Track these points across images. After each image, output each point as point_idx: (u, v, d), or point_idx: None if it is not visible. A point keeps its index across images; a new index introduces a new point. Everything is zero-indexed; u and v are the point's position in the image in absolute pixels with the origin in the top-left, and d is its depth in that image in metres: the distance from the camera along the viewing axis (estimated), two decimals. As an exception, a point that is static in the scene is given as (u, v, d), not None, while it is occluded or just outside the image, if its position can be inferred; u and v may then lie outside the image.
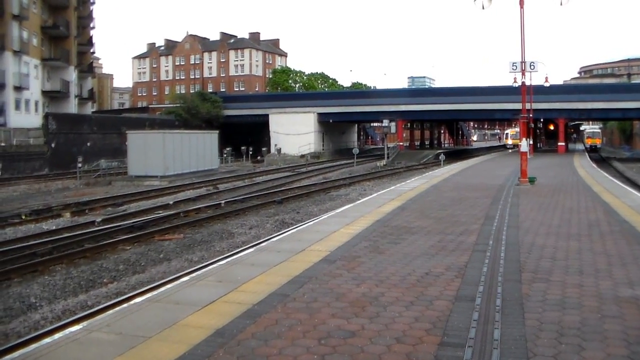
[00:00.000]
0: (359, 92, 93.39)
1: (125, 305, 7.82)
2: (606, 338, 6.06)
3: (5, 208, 27.05)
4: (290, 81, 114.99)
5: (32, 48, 61.19)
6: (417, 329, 6.35)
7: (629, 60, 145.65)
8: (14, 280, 14.08)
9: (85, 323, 6.96)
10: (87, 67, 77.90)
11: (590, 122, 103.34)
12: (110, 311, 7.57)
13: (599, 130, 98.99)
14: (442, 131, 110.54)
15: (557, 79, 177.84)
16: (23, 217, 23.95)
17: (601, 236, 11.97)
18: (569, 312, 6.92)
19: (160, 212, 24.72)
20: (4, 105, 55.66)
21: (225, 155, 62.01)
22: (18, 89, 57.18)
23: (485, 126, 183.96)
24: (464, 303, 7.27)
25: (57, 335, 6.52)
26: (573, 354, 5.62)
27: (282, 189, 34.04)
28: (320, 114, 73.78)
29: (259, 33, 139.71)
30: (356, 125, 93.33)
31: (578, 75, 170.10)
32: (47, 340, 6.37)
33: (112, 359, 5.56)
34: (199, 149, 47.58)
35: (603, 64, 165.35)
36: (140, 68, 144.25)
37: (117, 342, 6.03)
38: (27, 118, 57.60)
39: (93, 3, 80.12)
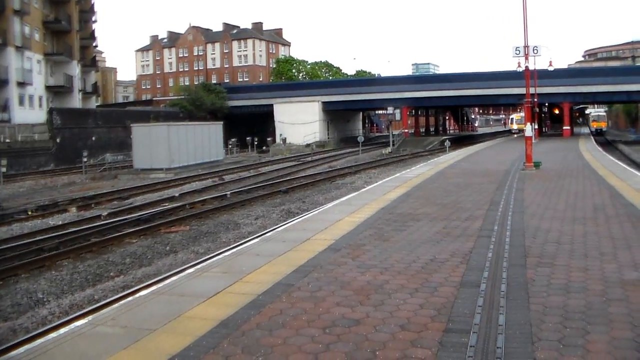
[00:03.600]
0: (363, 80, 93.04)
1: (130, 298, 7.86)
2: (611, 321, 6.06)
3: (11, 204, 27.12)
4: (294, 70, 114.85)
5: (35, 43, 61.12)
6: (422, 316, 6.35)
7: (633, 42, 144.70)
8: (22, 276, 14.14)
9: (90, 317, 6.98)
10: (90, 61, 77.81)
11: (596, 106, 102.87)
12: (116, 305, 7.60)
13: (604, 114, 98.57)
14: (447, 117, 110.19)
15: (561, 63, 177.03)
16: (29, 212, 24.01)
17: (606, 219, 11.94)
18: (573, 296, 6.91)
19: (166, 204, 24.75)
20: (8, 101, 55.64)
21: (230, 146, 62.01)
22: (21, 84, 57.17)
23: (491, 111, 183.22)
24: (468, 289, 7.27)
25: (62, 330, 6.57)
26: (578, 337, 5.61)
27: (288, 178, 34.06)
28: (324, 103, 73.64)
29: (262, 23, 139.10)
30: (361, 113, 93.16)
31: (582, 59, 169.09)
32: (53, 335, 6.40)
33: (117, 352, 5.58)
34: (204, 141, 47.54)
35: (607, 46, 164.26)
36: (143, 61, 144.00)
37: (122, 336, 6.06)
38: (31, 114, 57.57)
39: (94, -4, 79.95)
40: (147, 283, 11.81)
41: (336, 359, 5.29)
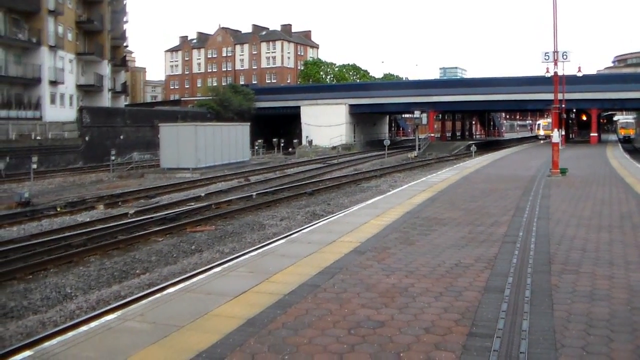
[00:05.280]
0: (390, 83, 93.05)
1: (158, 295, 7.98)
2: (636, 330, 6.07)
3: (41, 200, 27.51)
4: (321, 73, 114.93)
5: (67, 43, 61.96)
6: (446, 320, 6.41)
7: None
8: (51, 271, 14.42)
9: (119, 312, 7.14)
10: (121, 60, 78.61)
11: (624, 112, 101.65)
12: (144, 301, 7.74)
13: (633, 121, 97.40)
14: (473, 122, 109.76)
15: (590, 68, 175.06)
16: (58, 209, 24.36)
17: (633, 228, 11.88)
18: (598, 304, 6.92)
19: (192, 204, 24.97)
20: (40, 99, 56.44)
21: (256, 147, 62.24)
22: (53, 83, 57.96)
23: (517, 117, 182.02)
24: (493, 294, 7.31)
25: (93, 324, 6.70)
26: (602, 345, 5.64)
27: (313, 180, 34.15)
28: (351, 106, 73.64)
29: (291, 25, 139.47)
30: (387, 116, 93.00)
31: (612, 65, 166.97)
32: (84, 328, 6.55)
33: (147, 346, 5.71)
34: (231, 141, 47.80)
35: (638, 52, 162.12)
36: (172, 61, 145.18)
37: (150, 331, 6.19)
38: (62, 112, 58.36)
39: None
40: (174, 281, 11.97)
41: (361, 360, 5.37)
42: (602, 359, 5.31)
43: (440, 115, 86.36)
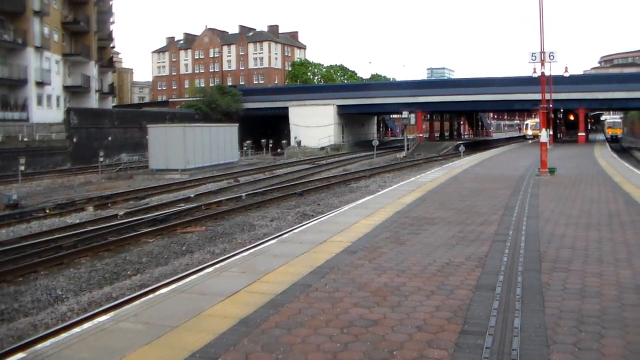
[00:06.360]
0: (378, 84, 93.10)
1: (151, 295, 8.00)
2: (626, 326, 6.14)
3: (29, 202, 27.40)
4: (309, 74, 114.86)
5: (54, 43, 61.74)
6: (438, 318, 6.46)
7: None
8: (41, 273, 14.36)
9: (112, 313, 7.16)
10: (108, 61, 78.38)
11: (611, 112, 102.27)
12: (137, 302, 7.75)
13: (620, 120, 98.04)
14: (461, 122, 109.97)
15: (577, 69, 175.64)
16: (47, 211, 24.25)
17: (621, 226, 11.98)
18: (588, 301, 6.99)
19: (182, 205, 24.94)
20: (27, 100, 56.23)
21: (245, 148, 62.14)
22: (40, 84, 57.74)
23: (505, 117, 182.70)
24: (484, 292, 7.37)
25: (86, 325, 6.71)
26: (593, 341, 5.70)
27: (303, 181, 34.17)
28: (339, 106, 73.62)
29: (278, 26, 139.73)
30: (375, 117, 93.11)
31: (598, 65, 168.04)
32: (77, 329, 6.56)
33: (141, 347, 5.72)
34: (220, 142, 47.74)
35: (624, 53, 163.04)
36: (159, 62, 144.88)
37: (144, 331, 6.21)
38: (49, 113, 58.13)
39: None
40: (167, 281, 11.97)
41: (354, 358, 5.40)
42: (594, 355, 5.37)
43: (428, 116, 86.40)
